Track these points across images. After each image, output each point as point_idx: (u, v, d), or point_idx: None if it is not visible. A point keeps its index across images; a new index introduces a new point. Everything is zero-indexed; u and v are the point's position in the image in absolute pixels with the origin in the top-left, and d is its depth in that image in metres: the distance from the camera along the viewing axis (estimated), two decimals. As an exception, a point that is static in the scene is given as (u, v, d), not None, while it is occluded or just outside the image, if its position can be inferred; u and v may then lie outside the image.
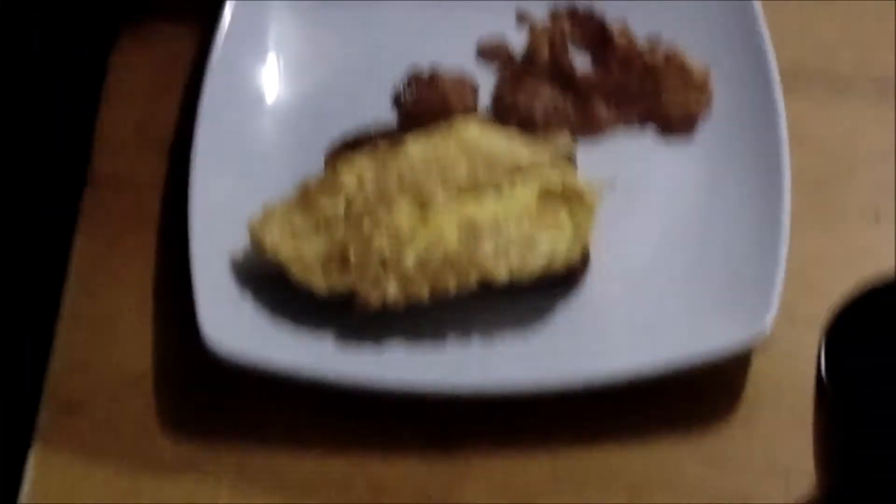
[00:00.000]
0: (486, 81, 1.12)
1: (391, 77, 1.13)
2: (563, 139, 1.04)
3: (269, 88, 1.16)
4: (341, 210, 1.00)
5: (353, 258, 0.96)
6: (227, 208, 1.04)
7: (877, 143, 1.08)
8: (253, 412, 0.98)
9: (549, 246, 0.96)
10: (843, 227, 1.05)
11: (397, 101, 1.12)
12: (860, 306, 0.79)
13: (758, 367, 0.97)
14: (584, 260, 0.97)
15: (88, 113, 1.22)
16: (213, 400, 1.00)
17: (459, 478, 0.95)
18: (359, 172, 1.02)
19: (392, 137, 1.06)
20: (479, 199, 1.00)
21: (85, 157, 1.18)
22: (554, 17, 1.13)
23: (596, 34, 1.12)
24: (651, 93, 1.08)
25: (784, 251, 0.97)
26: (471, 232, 0.97)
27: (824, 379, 0.75)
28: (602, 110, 1.08)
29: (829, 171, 1.07)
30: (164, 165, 1.14)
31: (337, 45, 1.20)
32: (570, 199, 0.99)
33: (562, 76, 1.10)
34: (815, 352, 0.76)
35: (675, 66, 1.08)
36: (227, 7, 1.17)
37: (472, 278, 0.94)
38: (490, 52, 1.14)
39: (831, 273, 0.98)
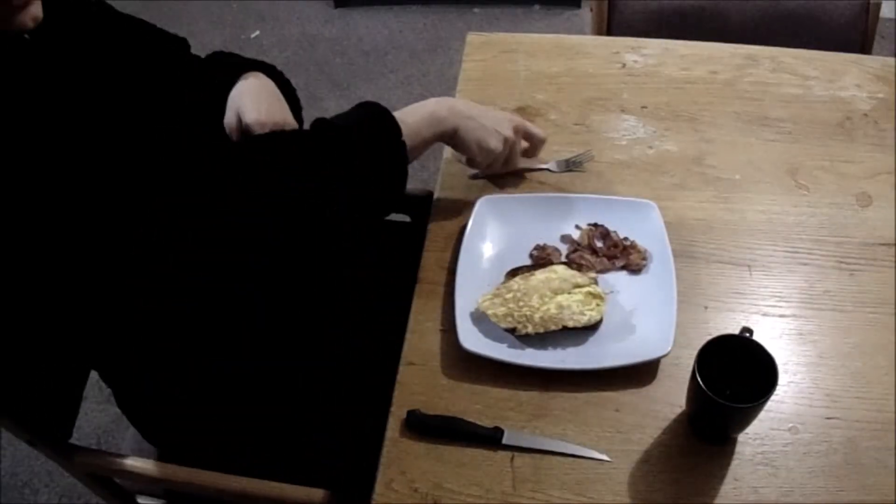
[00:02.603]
0: (564, 249, 1.43)
1: (529, 245, 1.43)
2: (592, 273, 1.35)
3: (484, 245, 1.43)
4: (511, 296, 1.30)
5: (515, 315, 1.29)
6: (468, 294, 1.34)
7: (712, 279, 1.40)
8: (478, 372, 1.28)
9: (588, 314, 1.29)
10: (698, 310, 1.35)
11: (531, 255, 1.41)
12: (710, 346, 1.13)
13: (665, 363, 1.28)
14: (600, 320, 1.29)
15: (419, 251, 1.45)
16: (463, 365, 1.30)
17: (550, 400, 1.26)
18: (518, 282, 1.33)
19: (530, 269, 1.35)
20: (562, 295, 1.31)
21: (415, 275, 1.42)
22: (589, 226, 1.43)
23: (604, 234, 1.41)
24: (623, 257, 1.39)
25: (675, 317, 1.29)
26: (559, 307, 1.29)
27: (695, 368, 1.10)
28: (607, 263, 1.39)
29: (690, 289, 1.37)
30: (447, 276, 1.40)
31: (508, 229, 1.45)
32: (597, 296, 1.30)
33: (591, 249, 1.40)
34: (692, 360, 1.12)
35: (634, 247, 1.39)
36: (476, 207, 1.45)
37: (560, 326, 1.28)
38: (565, 238, 1.43)
39: (695, 330, 1.31)
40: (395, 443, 1.22)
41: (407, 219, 1.78)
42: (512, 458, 1.21)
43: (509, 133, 1.42)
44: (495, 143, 1.40)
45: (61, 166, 1.05)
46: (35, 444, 1.42)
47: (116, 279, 1.09)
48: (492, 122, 1.40)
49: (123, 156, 1.13)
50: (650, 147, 1.60)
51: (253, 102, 1.38)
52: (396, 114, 1.29)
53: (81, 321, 1.16)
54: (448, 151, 1.59)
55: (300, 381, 1.42)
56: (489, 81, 1.75)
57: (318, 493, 1.35)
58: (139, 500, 1.62)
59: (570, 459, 1.20)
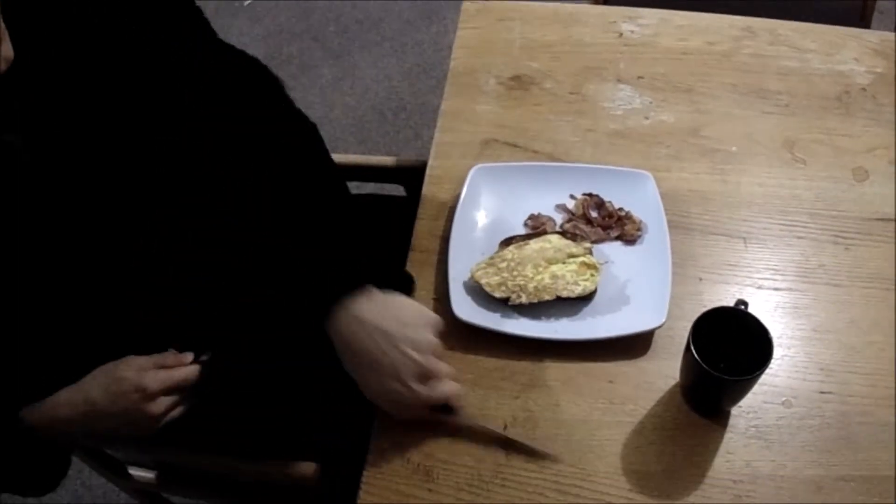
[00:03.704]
0: (558, 219, 1.42)
1: (524, 214, 1.43)
2: (587, 243, 1.33)
3: (478, 214, 1.42)
4: (505, 265, 1.30)
5: (509, 285, 1.28)
6: (462, 263, 1.33)
7: (707, 251, 1.39)
8: (471, 342, 1.28)
9: (582, 284, 1.28)
10: (692, 282, 1.35)
11: (526, 224, 1.40)
12: (704, 318, 1.13)
13: (659, 334, 1.29)
14: (594, 291, 1.29)
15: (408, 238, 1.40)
16: (456, 334, 1.28)
17: (543, 370, 1.26)
18: (512, 251, 1.32)
19: (524, 239, 1.34)
20: (556, 265, 1.30)
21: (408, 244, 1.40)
22: (584, 196, 1.42)
23: (599, 204, 1.41)
24: (618, 227, 1.38)
25: (669, 289, 1.28)
26: (553, 277, 1.29)
27: (690, 340, 1.10)
28: (601, 233, 1.38)
29: (684, 261, 1.37)
30: (441, 245, 1.39)
31: (502, 197, 1.44)
32: (591, 266, 1.30)
33: (586, 219, 1.39)
34: (686, 332, 1.12)
35: (629, 218, 1.38)
36: (470, 176, 1.43)
37: (553, 296, 1.27)
38: (560, 208, 1.42)
39: (689, 301, 1.32)
40: (387, 413, 1.20)
41: (402, 191, 1.75)
42: (504, 428, 1.21)
43: (154, 412, 1.17)
44: (145, 428, 1.20)
45: (61, 171, 1.04)
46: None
47: (117, 289, 1.08)
48: (135, 416, 1.17)
49: (124, 165, 1.11)
50: (646, 117, 1.58)
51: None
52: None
53: (82, 330, 1.14)
54: (441, 121, 1.58)
55: (293, 357, 1.38)
56: (484, 49, 1.71)
57: (309, 467, 1.33)
58: (130, 472, 1.59)
59: (564, 430, 1.20)
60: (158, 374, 1.15)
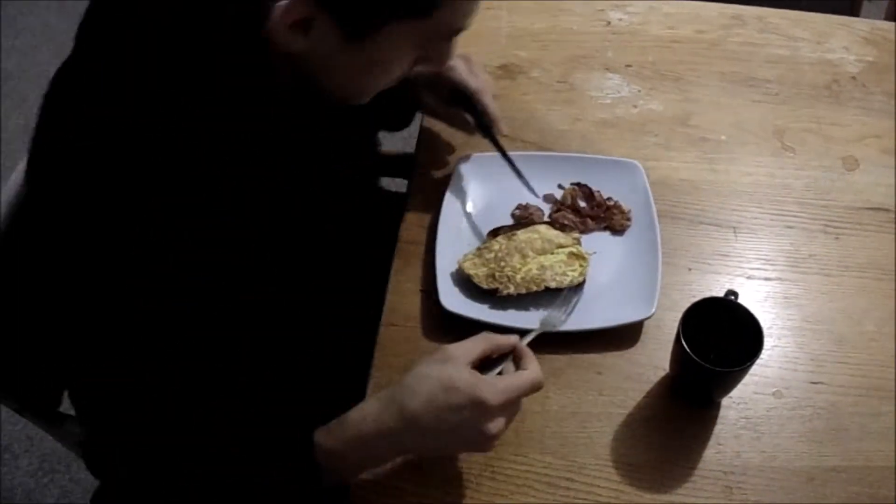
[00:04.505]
0: (547, 209, 1.40)
1: (511, 204, 1.41)
2: (575, 233, 1.33)
3: (466, 205, 1.41)
4: (493, 256, 1.28)
5: (497, 276, 1.26)
6: (449, 254, 1.31)
7: (696, 241, 1.38)
8: (459, 333, 1.14)
9: (571, 275, 1.27)
10: (682, 272, 1.34)
11: (513, 215, 1.39)
12: (694, 308, 1.12)
13: (648, 325, 1.27)
14: (583, 281, 1.28)
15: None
16: (444, 326, 1.26)
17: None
18: (500, 242, 1.31)
19: (512, 229, 1.33)
20: (544, 256, 1.29)
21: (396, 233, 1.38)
22: (572, 186, 1.41)
23: (588, 194, 1.39)
24: (607, 217, 1.37)
25: (659, 279, 1.27)
26: (541, 268, 1.27)
27: (680, 331, 1.10)
28: (589, 224, 1.37)
29: (674, 251, 1.36)
30: (428, 236, 1.36)
31: (490, 188, 1.43)
32: (579, 257, 1.29)
33: (574, 209, 1.38)
34: (676, 322, 1.11)
35: (617, 208, 1.37)
36: (457, 167, 1.42)
37: (542, 286, 1.26)
38: (548, 198, 1.41)
39: (678, 292, 1.30)
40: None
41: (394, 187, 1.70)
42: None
43: (491, 431, 0.99)
44: (479, 449, 1.08)
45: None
46: (23, 413, 1.36)
47: (114, 279, 1.02)
48: (466, 434, 1.00)
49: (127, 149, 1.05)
50: (634, 106, 1.57)
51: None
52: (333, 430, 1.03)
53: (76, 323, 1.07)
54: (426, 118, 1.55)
55: (284, 350, 1.35)
56: (471, 39, 1.59)
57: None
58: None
59: (553, 422, 1.19)
60: (499, 385, 0.98)
